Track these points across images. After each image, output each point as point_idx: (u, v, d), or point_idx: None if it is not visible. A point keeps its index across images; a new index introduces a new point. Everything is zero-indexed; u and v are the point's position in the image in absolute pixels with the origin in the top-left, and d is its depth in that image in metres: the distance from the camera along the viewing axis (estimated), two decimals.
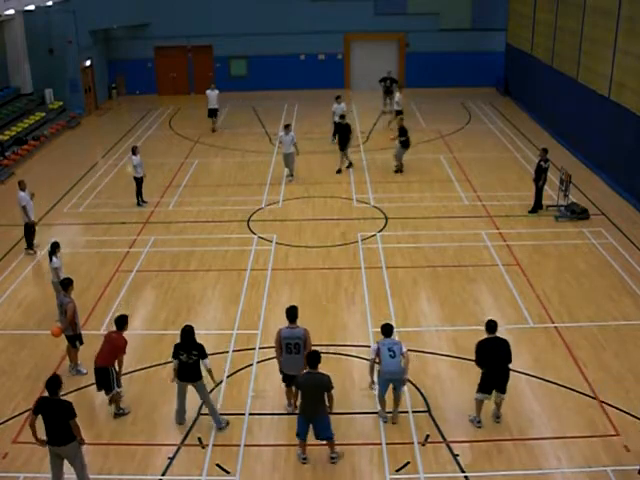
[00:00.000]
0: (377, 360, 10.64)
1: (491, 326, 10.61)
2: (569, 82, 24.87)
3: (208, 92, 27.90)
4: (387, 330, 10.80)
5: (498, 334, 10.66)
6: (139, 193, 20.23)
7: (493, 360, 10.47)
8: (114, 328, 11.07)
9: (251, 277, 15.70)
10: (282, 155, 22.25)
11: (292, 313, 10.86)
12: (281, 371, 10.98)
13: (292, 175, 22.17)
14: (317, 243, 17.45)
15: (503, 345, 10.52)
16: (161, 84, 35.69)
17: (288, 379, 10.92)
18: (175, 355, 10.60)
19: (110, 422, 11.03)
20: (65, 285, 12.16)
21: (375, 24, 34.14)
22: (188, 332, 10.59)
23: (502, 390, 10.63)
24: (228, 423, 10.87)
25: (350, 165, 22.84)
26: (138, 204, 20.22)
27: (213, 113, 27.98)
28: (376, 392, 10.85)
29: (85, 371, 12.08)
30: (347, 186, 21.49)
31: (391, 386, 10.73)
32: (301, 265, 16.30)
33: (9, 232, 18.48)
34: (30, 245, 17.20)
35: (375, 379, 10.71)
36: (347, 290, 15.03)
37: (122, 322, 10.97)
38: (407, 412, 11.06)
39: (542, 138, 25.85)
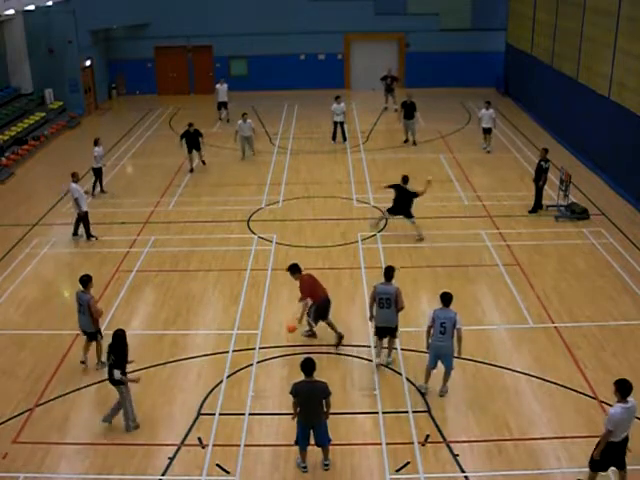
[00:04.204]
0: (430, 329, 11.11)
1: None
2: (569, 82, 24.86)
3: (218, 86, 29.30)
4: (446, 299, 11.14)
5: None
6: (100, 182, 21.08)
7: None
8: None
9: (251, 277, 15.69)
10: (239, 138, 23.72)
11: (389, 271, 12.08)
12: (375, 325, 12.11)
13: (253, 152, 24.18)
14: (317, 243, 17.44)
15: None
16: (161, 84, 35.68)
17: (380, 332, 12.09)
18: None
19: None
20: (85, 282, 12.11)
21: (375, 24, 34.12)
22: (120, 336, 10.65)
23: None
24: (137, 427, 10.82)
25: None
26: (102, 191, 21.07)
27: (223, 106, 29.32)
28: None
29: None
30: (347, 186, 21.48)
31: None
32: (301, 265, 16.25)
33: (9, 232, 18.47)
34: (89, 235, 17.83)
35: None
36: (347, 290, 15.03)
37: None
38: (407, 412, 11.06)
39: (542, 138, 25.84)
